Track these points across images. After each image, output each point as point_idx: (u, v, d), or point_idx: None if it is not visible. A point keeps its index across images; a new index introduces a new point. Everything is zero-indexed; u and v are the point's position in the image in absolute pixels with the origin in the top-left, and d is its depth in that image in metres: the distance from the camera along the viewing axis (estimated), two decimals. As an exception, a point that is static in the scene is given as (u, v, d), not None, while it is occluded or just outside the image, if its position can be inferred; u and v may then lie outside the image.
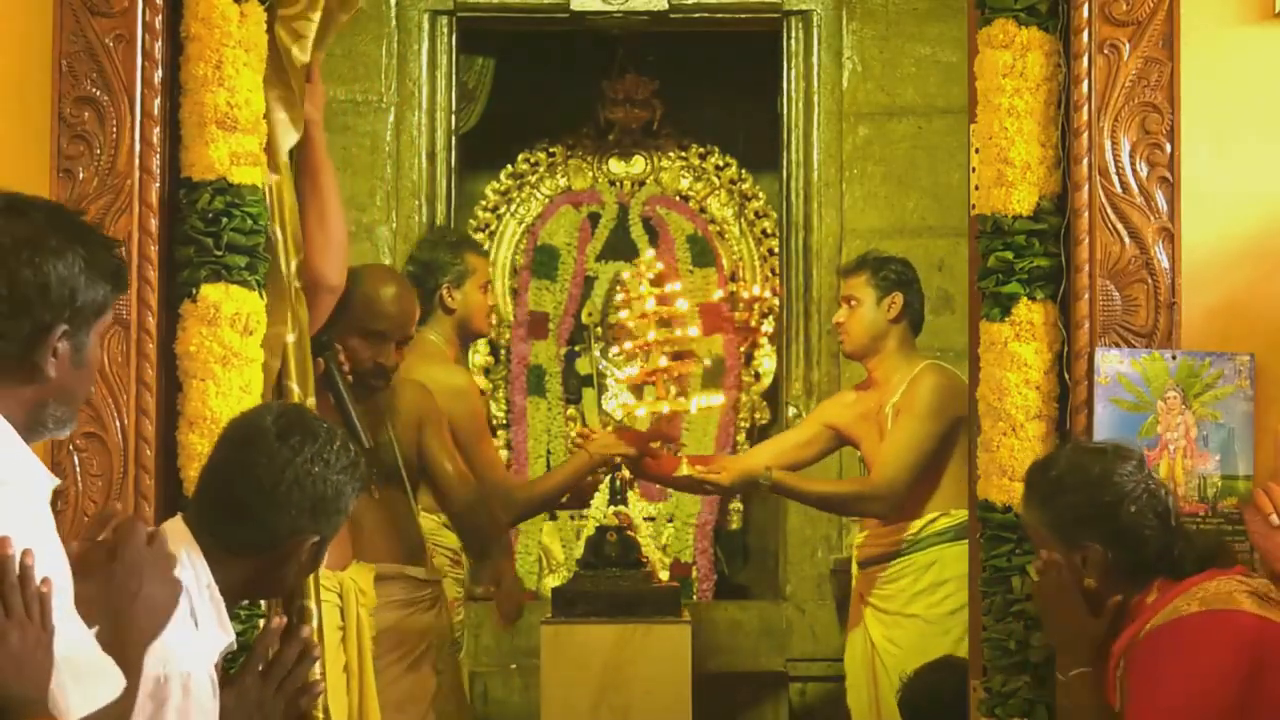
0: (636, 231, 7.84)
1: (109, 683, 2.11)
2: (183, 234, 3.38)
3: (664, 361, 5.00)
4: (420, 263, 4.92)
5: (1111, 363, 3.31)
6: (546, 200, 7.90)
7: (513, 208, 7.83)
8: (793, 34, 7.03)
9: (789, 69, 7.05)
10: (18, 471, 2.12)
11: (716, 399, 6.17)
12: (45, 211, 2.18)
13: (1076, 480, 2.97)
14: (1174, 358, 3.32)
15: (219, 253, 3.35)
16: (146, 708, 2.41)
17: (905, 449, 4.81)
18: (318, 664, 2.93)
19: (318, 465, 2.63)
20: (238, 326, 3.33)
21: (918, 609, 4.87)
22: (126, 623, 2.22)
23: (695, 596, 7.30)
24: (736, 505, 7.66)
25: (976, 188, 3.42)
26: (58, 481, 2.23)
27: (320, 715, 3.32)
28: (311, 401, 3.46)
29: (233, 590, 2.65)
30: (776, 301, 7.48)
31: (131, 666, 2.19)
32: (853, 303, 4.95)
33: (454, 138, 7.15)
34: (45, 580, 2.00)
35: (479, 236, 7.43)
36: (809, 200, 7.03)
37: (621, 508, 7.09)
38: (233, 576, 2.63)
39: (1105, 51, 3.35)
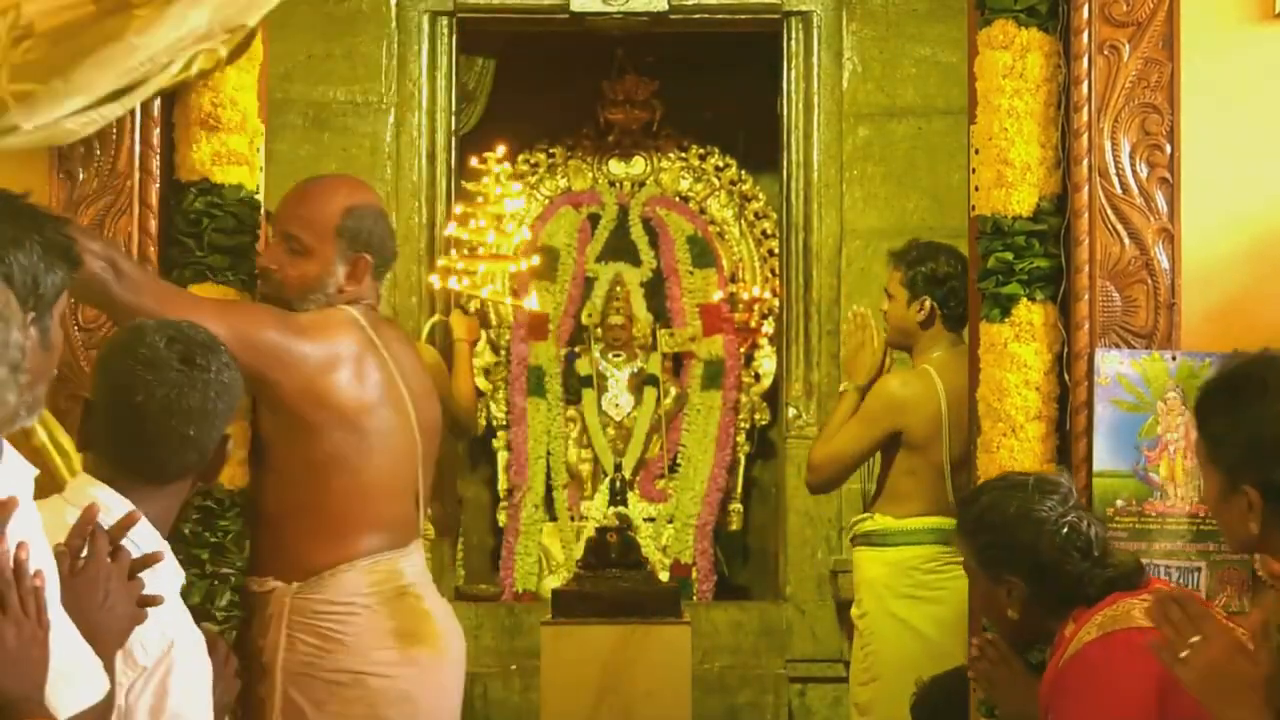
0: (636, 232, 7.84)
1: (96, 682, 2.10)
2: (172, 234, 3.38)
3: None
4: None
5: (1111, 363, 3.31)
6: (546, 201, 7.90)
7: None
8: (793, 34, 7.03)
9: (789, 69, 7.05)
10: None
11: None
12: None
13: (996, 518, 3.00)
14: (1174, 358, 3.31)
15: (200, 253, 3.35)
16: (157, 673, 2.37)
17: (839, 437, 4.73)
18: None
19: (226, 373, 2.58)
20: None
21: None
22: (95, 631, 2.18)
23: (695, 597, 7.30)
24: (736, 506, 7.67)
25: (976, 188, 3.42)
26: (36, 471, 2.20)
27: None
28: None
29: (169, 518, 2.57)
30: (776, 302, 7.48)
31: (105, 671, 2.17)
32: (890, 297, 4.78)
33: (454, 138, 7.15)
34: (38, 574, 1.96)
35: (479, 237, 7.43)
36: (809, 201, 7.02)
37: (621, 508, 7.10)
38: (169, 505, 2.56)
39: (1105, 52, 3.35)
